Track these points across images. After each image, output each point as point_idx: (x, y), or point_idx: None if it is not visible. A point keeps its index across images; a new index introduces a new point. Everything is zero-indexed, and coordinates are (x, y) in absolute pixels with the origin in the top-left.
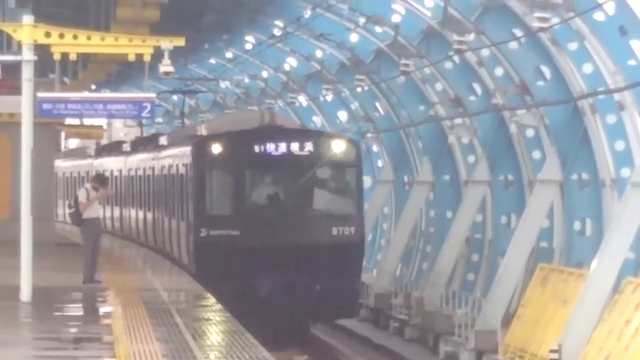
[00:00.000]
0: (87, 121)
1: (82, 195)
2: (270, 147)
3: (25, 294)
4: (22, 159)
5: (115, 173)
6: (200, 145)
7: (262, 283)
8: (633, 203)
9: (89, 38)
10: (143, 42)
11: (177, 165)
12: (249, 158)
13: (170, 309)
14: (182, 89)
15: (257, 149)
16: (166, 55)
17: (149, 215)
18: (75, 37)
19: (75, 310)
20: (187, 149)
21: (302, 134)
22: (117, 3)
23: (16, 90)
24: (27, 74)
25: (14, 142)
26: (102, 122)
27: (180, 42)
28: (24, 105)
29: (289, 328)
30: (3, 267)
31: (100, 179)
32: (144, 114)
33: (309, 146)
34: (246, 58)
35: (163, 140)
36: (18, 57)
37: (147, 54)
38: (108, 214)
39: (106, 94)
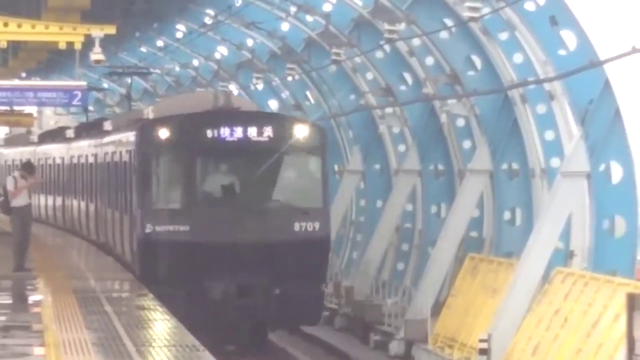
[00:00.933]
0: (17, 109)
1: (10, 183)
2: (225, 131)
3: None
4: None
5: (58, 161)
6: (145, 130)
7: (214, 286)
8: (562, 193)
9: (19, 26)
10: (74, 30)
11: (120, 152)
12: (201, 144)
13: (100, 298)
14: (129, 70)
15: (209, 133)
16: (97, 43)
17: (92, 208)
18: (5, 24)
19: (5, 298)
20: (130, 134)
21: (260, 117)
22: None
23: None
24: None
25: None
26: (32, 109)
27: (111, 30)
28: None
29: (245, 336)
30: None
31: (28, 167)
32: (75, 102)
33: (268, 131)
34: (177, 47)
35: (107, 126)
36: None
37: (78, 42)
38: (50, 203)
39: (36, 82)
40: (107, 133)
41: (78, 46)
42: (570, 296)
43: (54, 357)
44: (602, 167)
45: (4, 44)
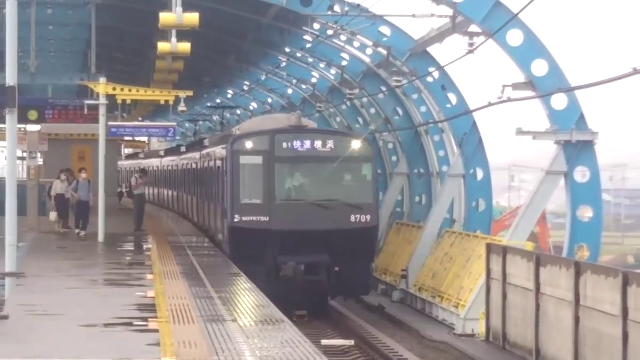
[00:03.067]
0: (137, 139)
1: (133, 181)
2: (297, 144)
3: (101, 237)
4: (99, 161)
5: (174, 166)
6: (235, 142)
7: (287, 264)
8: (449, 186)
9: (137, 91)
10: (169, 93)
11: (216, 160)
12: (278, 154)
13: (185, 247)
14: (222, 106)
15: (285, 145)
16: (182, 101)
17: (196, 200)
18: (130, 90)
19: (129, 246)
20: (223, 146)
21: (324, 133)
22: (155, 70)
23: (96, 120)
24: (102, 111)
25: (94, 151)
26: (144, 139)
27: (190, 93)
28: (101, 130)
29: (311, 303)
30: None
31: (143, 172)
32: (169, 134)
33: (330, 144)
34: (228, 102)
35: (206, 142)
36: (97, 102)
37: (171, 100)
38: (170, 195)
39: (147, 123)
40: (206, 147)
41: (171, 102)
42: (453, 245)
43: (158, 280)
44: (471, 171)
45: (129, 101)
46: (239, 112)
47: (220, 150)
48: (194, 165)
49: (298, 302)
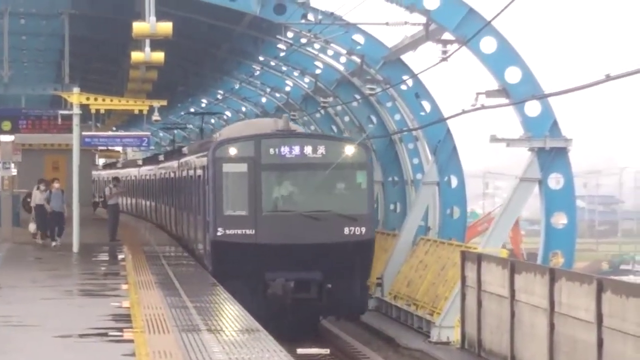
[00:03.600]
0: (111, 148)
1: (107, 191)
2: (285, 150)
3: (75, 247)
4: (73, 171)
5: (152, 175)
6: (216, 149)
7: (276, 281)
8: (423, 193)
9: (111, 100)
10: (142, 103)
11: (195, 169)
12: (265, 160)
13: (160, 256)
14: (203, 112)
15: (272, 151)
16: (156, 110)
17: (173, 211)
18: (103, 99)
19: (103, 256)
20: (204, 153)
21: (315, 137)
22: (128, 80)
23: (70, 130)
24: (76, 121)
25: (69, 161)
26: (119, 148)
27: (164, 102)
28: (75, 140)
29: (301, 322)
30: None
31: (117, 181)
32: (143, 144)
33: (321, 149)
34: (206, 110)
35: (185, 150)
36: (71, 112)
37: (145, 109)
38: (147, 204)
39: (121, 133)
40: (185, 155)
41: (145, 112)
42: (428, 252)
43: (133, 290)
44: (445, 179)
45: (102, 111)
46: (212, 120)
47: (200, 158)
48: (172, 175)
49: (286, 322)
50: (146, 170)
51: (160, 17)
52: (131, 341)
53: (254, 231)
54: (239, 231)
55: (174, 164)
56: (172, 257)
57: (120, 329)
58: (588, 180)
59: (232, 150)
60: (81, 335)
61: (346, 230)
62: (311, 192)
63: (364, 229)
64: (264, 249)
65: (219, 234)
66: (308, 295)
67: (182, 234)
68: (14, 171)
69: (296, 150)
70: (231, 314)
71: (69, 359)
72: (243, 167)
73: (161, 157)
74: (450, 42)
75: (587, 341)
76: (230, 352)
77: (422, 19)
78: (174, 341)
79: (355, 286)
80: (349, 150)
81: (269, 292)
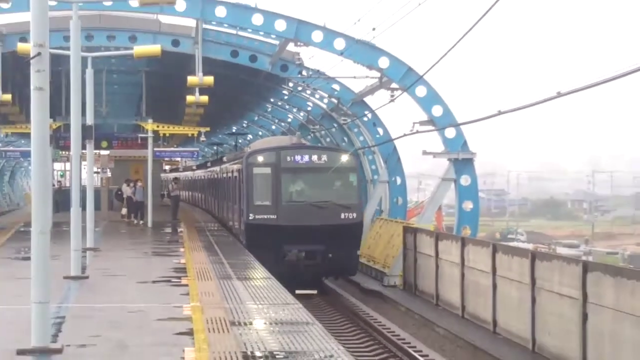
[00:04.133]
0: (173, 159)
1: (170, 187)
2: (298, 157)
3: (149, 223)
4: (148, 174)
5: (203, 177)
6: (249, 157)
7: (291, 252)
8: (378, 189)
9: (173, 127)
10: (194, 129)
11: (233, 172)
12: (283, 165)
13: (205, 230)
14: (235, 133)
15: (289, 158)
16: (202, 134)
17: (218, 201)
18: (168, 127)
19: (168, 230)
20: (239, 160)
21: (319, 149)
22: (185, 114)
23: (146, 147)
24: (150, 141)
25: (145, 167)
26: (178, 158)
27: (207, 129)
28: (149, 153)
29: (309, 281)
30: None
31: (177, 180)
32: (194, 156)
33: (324, 157)
34: (236, 132)
35: (225, 159)
36: (146, 135)
37: (195, 133)
38: (200, 197)
39: (179, 148)
40: (225, 162)
41: (195, 135)
42: (382, 228)
43: (188, 252)
44: (393, 179)
45: (167, 134)
46: (240, 140)
47: (237, 164)
48: (216, 176)
49: (299, 280)
50: (198, 173)
51: (206, 73)
52: (186, 285)
53: (276, 216)
54: (265, 216)
55: (218, 168)
56: (214, 231)
57: (179, 277)
58: (486, 179)
59: (260, 158)
60: (153, 282)
61: (342, 215)
62: (317, 188)
63: (355, 214)
64: (283, 229)
65: (250, 218)
66: (315, 262)
67: (223, 217)
68: (109, 174)
69: (306, 158)
70: (252, 268)
71: (146, 296)
72: (268, 170)
73: (209, 164)
74: (396, 89)
75: (485, 284)
76: (252, 292)
77: (378, 74)
78: (214, 285)
79: (349, 255)
80: (344, 158)
81: (286, 260)
